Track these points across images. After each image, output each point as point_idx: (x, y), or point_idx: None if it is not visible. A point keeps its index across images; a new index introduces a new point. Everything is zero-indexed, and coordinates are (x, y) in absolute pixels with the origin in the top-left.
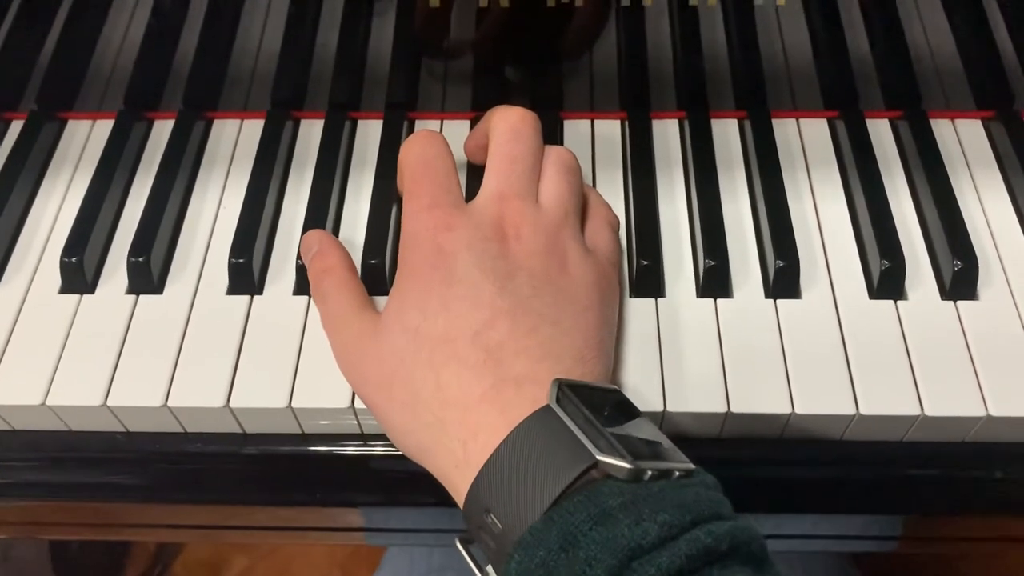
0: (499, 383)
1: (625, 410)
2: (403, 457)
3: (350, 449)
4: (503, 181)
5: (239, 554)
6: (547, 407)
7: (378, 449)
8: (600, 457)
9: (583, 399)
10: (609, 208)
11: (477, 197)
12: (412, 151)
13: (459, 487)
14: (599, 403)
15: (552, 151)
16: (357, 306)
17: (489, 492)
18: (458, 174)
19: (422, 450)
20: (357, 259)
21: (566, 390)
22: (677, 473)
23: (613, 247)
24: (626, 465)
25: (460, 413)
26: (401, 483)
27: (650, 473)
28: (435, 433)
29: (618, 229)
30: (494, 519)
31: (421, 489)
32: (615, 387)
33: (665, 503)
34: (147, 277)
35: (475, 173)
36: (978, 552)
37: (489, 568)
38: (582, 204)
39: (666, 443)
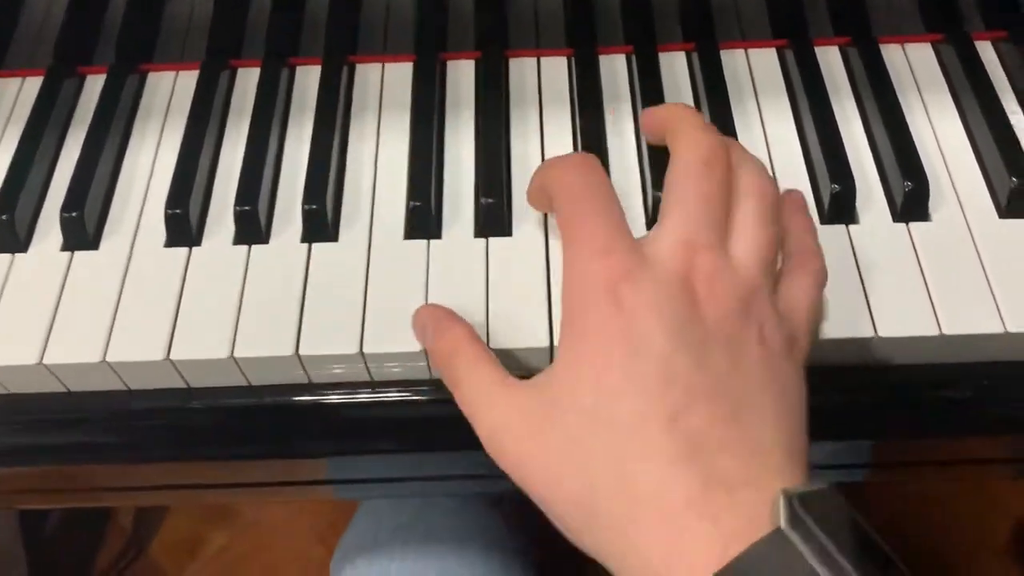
0: (708, 485)
1: (845, 516)
2: (361, 405)
3: (306, 398)
4: (691, 226)
5: (217, 531)
6: (780, 532)
7: (333, 397)
8: None
9: (813, 516)
10: (823, 262)
11: (655, 242)
12: (570, 178)
13: None
14: (826, 516)
15: (749, 186)
16: (499, 381)
17: None
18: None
19: (600, 553)
20: (297, 205)
21: (797, 506)
22: None
23: (817, 311)
24: None
25: (657, 519)
26: (363, 430)
27: None
28: (618, 537)
29: (824, 286)
30: None
31: (385, 436)
32: (826, 485)
33: None
34: (81, 233)
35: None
36: (945, 477)
37: None
38: (807, 255)
39: (874, 536)
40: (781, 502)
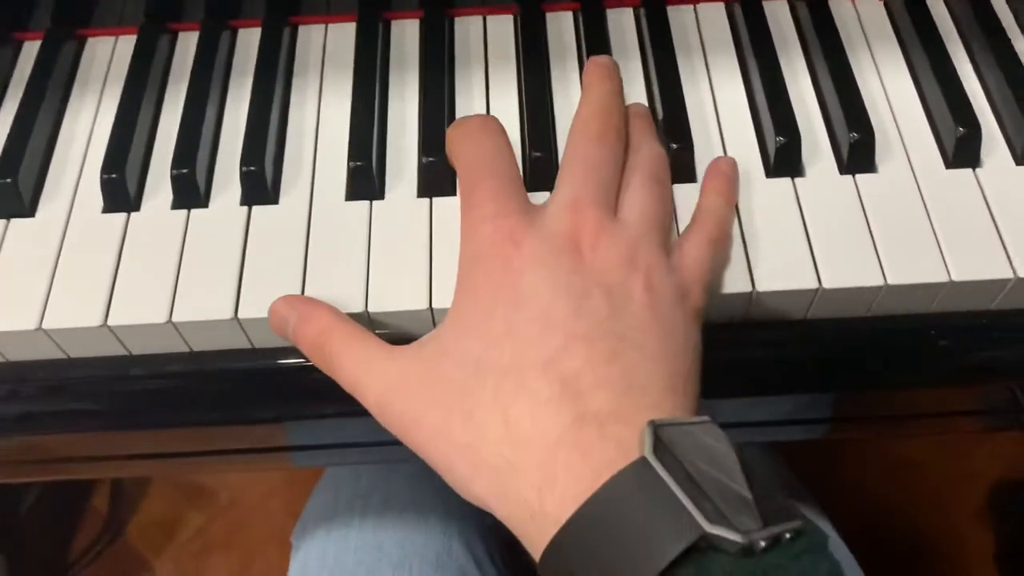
0: (579, 420)
1: (721, 447)
2: (307, 368)
3: (251, 363)
4: (579, 188)
5: (194, 512)
6: (643, 460)
7: (280, 362)
8: (709, 530)
9: (681, 446)
10: (722, 223)
11: (548, 205)
12: (467, 146)
13: (535, 540)
14: (697, 447)
15: (638, 158)
16: (382, 351)
17: (574, 555)
18: (518, 170)
19: (489, 497)
20: (236, 168)
21: (662, 436)
22: (788, 535)
23: (708, 265)
24: (738, 540)
25: (534, 456)
26: (313, 395)
27: (762, 544)
28: (505, 478)
29: (725, 244)
30: None
31: (334, 400)
32: (707, 418)
33: None
34: (16, 199)
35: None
36: (908, 432)
37: None
38: (707, 214)
39: (764, 481)
40: (647, 431)
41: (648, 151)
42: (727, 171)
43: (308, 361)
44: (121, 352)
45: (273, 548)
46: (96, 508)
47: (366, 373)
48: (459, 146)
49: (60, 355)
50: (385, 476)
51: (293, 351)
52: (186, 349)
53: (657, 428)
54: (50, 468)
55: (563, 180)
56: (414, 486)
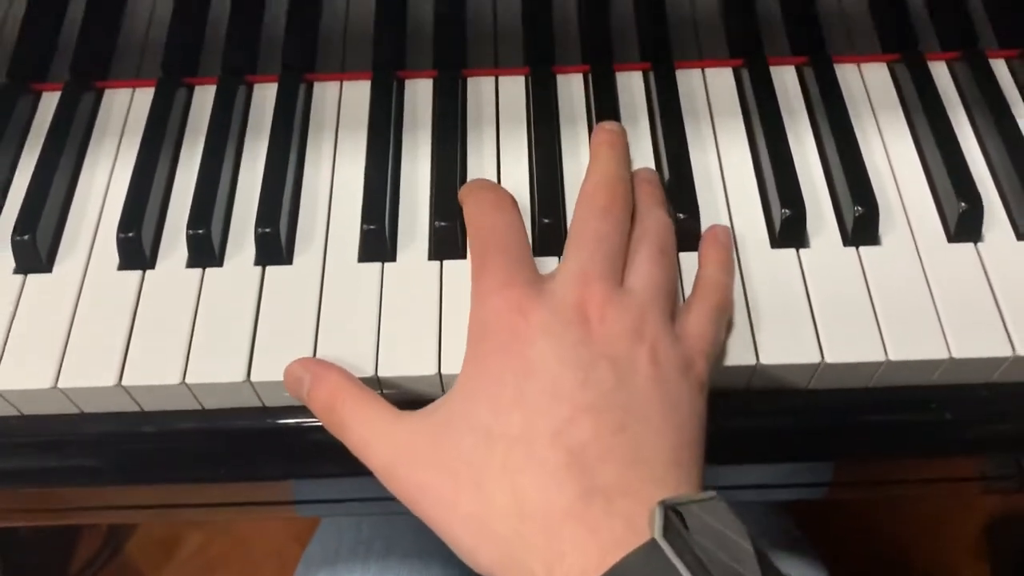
0: (586, 494)
1: (729, 525)
2: (317, 428)
3: (261, 422)
4: (586, 260)
5: (194, 531)
6: (653, 543)
7: (290, 421)
8: None
9: (691, 526)
10: (724, 293)
11: (556, 275)
12: (481, 218)
13: None
14: (704, 527)
15: (645, 230)
16: (390, 416)
17: None
18: (529, 244)
19: (495, 566)
20: (251, 227)
21: (672, 516)
22: None
23: (712, 336)
24: None
25: (542, 528)
26: (320, 453)
27: None
28: (511, 549)
29: (727, 315)
30: None
31: (340, 459)
32: (713, 493)
33: None
34: (34, 256)
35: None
36: (906, 494)
37: None
38: (709, 285)
39: (759, 548)
40: (657, 512)
41: (655, 222)
42: (724, 240)
43: (317, 421)
44: (134, 408)
45: (273, 568)
46: (96, 525)
47: (374, 438)
48: (473, 217)
49: (73, 409)
50: (387, 522)
51: (303, 410)
52: (198, 407)
53: (667, 508)
54: (56, 515)
55: (570, 252)
56: (416, 533)
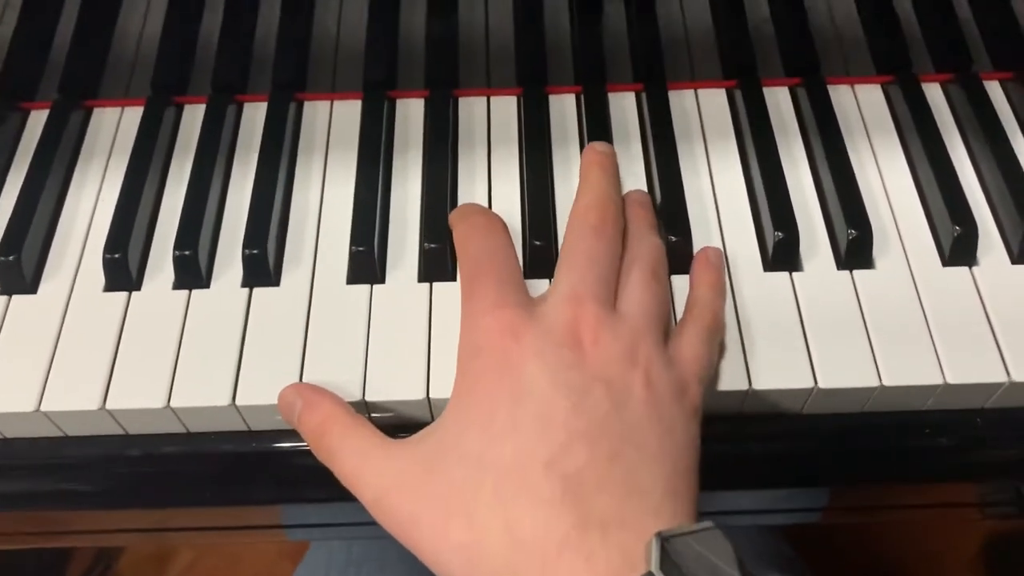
0: (582, 525)
1: (726, 557)
2: (303, 452)
3: (246, 446)
4: (578, 282)
5: (185, 548)
6: None
7: (278, 445)
8: None
9: (687, 559)
10: (717, 315)
11: (547, 297)
12: (472, 241)
13: None
14: (699, 559)
15: (637, 252)
16: (381, 446)
17: None
18: (519, 268)
19: None
20: (238, 250)
21: (669, 549)
22: None
23: (706, 359)
24: None
25: (536, 560)
26: (307, 478)
27: None
28: None
29: (719, 337)
30: None
31: (328, 484)
32: (710, 524)
33: None
34: (19, 277)
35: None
36: (901, 519)
37: None
38: (701, 307)
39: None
40: (653, 544)
41: (647, 246)
42: (716, 262)
43: (304, 445)
44: (119, 431)
45: None
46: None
47: (364, 468)
48: (463, 241)
49: (57, 432)
50: (377, 544)
51: (290, 434)
52: (183, 430)
53: (663, 540)
54: (38, 538)
55: (562, 273)
56: (406, 556)
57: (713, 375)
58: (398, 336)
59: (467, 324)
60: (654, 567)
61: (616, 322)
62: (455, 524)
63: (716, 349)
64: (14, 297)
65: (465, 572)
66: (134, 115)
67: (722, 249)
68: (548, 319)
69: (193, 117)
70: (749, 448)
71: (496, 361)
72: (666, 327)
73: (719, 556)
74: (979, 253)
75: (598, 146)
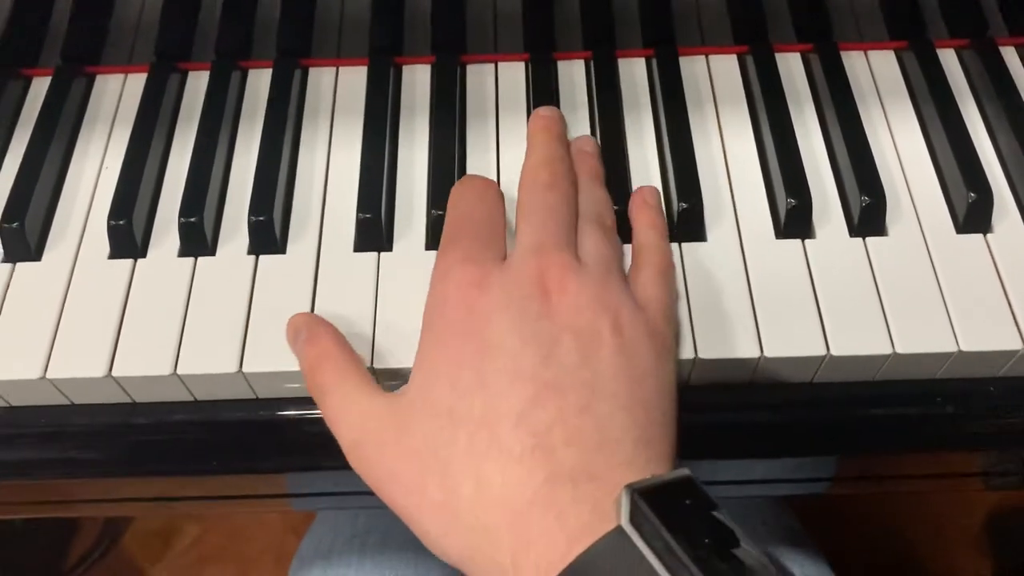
0: (551, 480)
1: (701, 505)
2: (312, 420)
3: (255, 413)
4: (540, 232)
5: (191, 523)
6: (620, 530)
7: (286, 413)
8: None
9: (659, 510)
10: (665, 254)
11: (513, 252)
12: (460, 204)
13: None
14: (675, 509)
15: (585, 207)
16: (367, 392)
17: None
18: (506, 234)
19: (462, 558)
20: (245, 215)
21: (639, 501)
22: None
23: (667, 300)
24: None
25: (508, 518)
26: (316, 446)
27: None
28: (478, 540)
29: (672, 276)
30: None
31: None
32: (686, 473)
33: None
34: (23, 244)
35: None
36: (908, 490)
37: None
38: (649, 249)
39: (739, 533)
40: (623, 497)
41: (594, 198)
42: (652, 202)
43: (312, 412)
44: (125, 399)
45: (269, 560)
46: (93, 518)
47: (347, 411)
48: (453, 203)
49: (63, 400)
50: (383, 515)
51: (297, 402)
52: (190, 398)
53: (634, 494)
54: (46, 507)
55: (523, 227)
56: None
57: (676, 317)
58: (406, 303)
59: (436, 276)
60: (624, 521)
61: (582, 268)
62: (430, 482)
63: (673, 291)
64: (18, 265)
65: (441, 530)
66: (137, 81)
67: (733, 216)
68: (513, 271)
69: (197, 83)
70: (758, 417)
71: (462, 314)
72: (623, 272)
73: (694, 506)
74: (993, 220)
75: (542, 111)
